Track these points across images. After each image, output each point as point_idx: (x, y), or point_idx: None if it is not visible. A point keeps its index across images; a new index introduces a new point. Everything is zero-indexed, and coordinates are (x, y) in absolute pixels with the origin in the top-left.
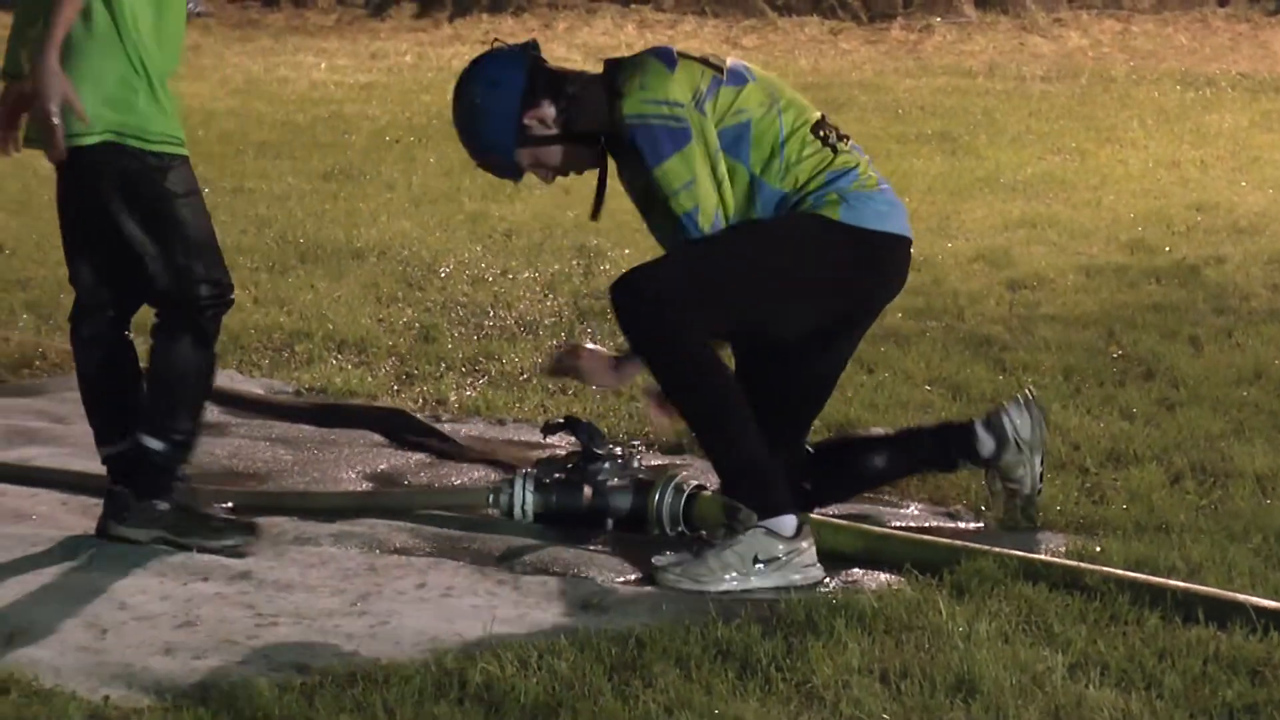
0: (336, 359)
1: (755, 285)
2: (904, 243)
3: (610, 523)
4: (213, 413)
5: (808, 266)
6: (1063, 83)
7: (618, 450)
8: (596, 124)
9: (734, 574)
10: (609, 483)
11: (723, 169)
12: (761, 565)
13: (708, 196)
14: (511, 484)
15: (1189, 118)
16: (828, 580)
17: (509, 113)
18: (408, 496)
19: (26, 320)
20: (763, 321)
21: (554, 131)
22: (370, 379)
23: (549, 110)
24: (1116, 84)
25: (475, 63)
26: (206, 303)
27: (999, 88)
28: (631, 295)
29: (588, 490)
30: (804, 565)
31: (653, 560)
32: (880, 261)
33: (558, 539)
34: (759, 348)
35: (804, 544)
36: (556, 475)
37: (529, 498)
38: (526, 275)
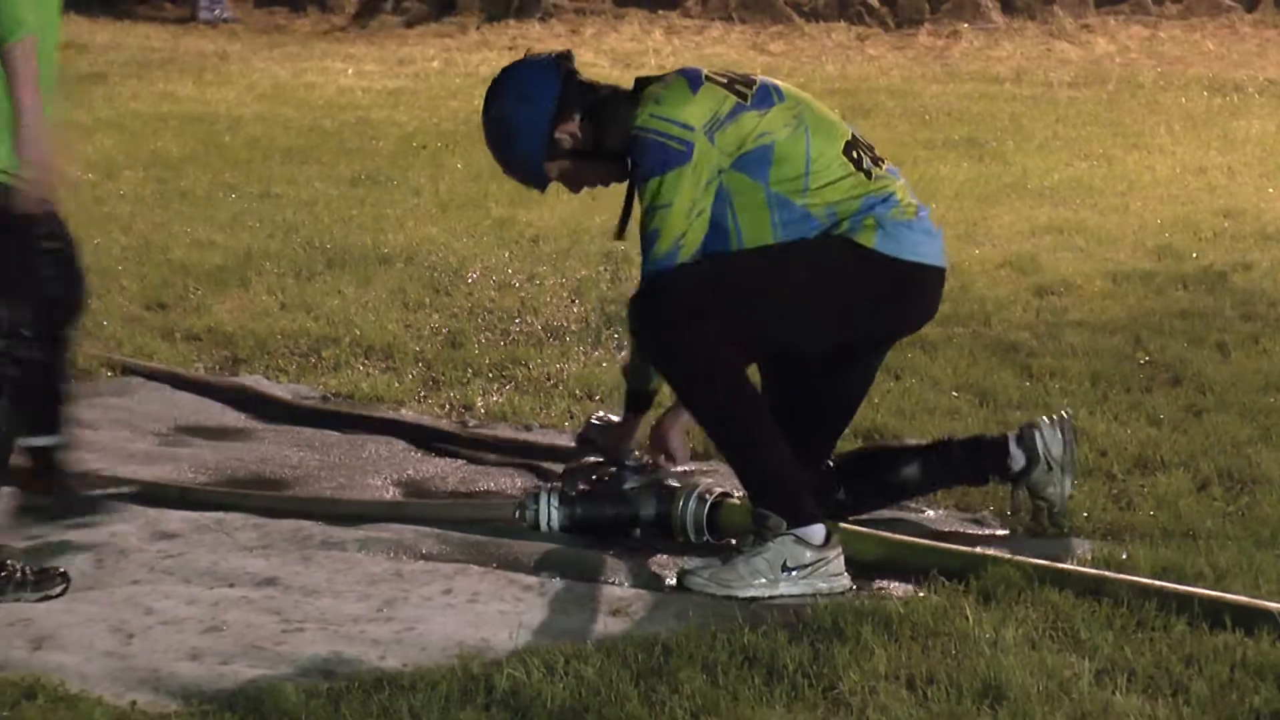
0: (363, 364)
1: (779, 304)
2: (938, 273)
3: (637, 531)
4: (239, 418)
5: (835, 290)
6: (1090, 88)
7: (644, 458)
8: (621, 140)
9: (762, 580)
10: (634, 492)
11: (707, 201)
12: (790, 572)
13: (674, 226)
14: (537, 497)
15: (1216, 124)
16: (854, 588)
17: (539, 126)
18: (433, 508)
19: None
20: (783, 340)
21: (582, 146)
22: (397, 384)
23: (579, 125)
24: (1144, 90)
25: (508, 72)
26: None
27: (1026, 93)
28: (653, 308)
29: (613, 501)
30: (832, 574)
31: (681, 565)
32: (911, 292)
33: (585, 545)
34: (783, 364)
35: (832, 553)
36: (582, 487)
37: (555, 511)
38: (553, 281)
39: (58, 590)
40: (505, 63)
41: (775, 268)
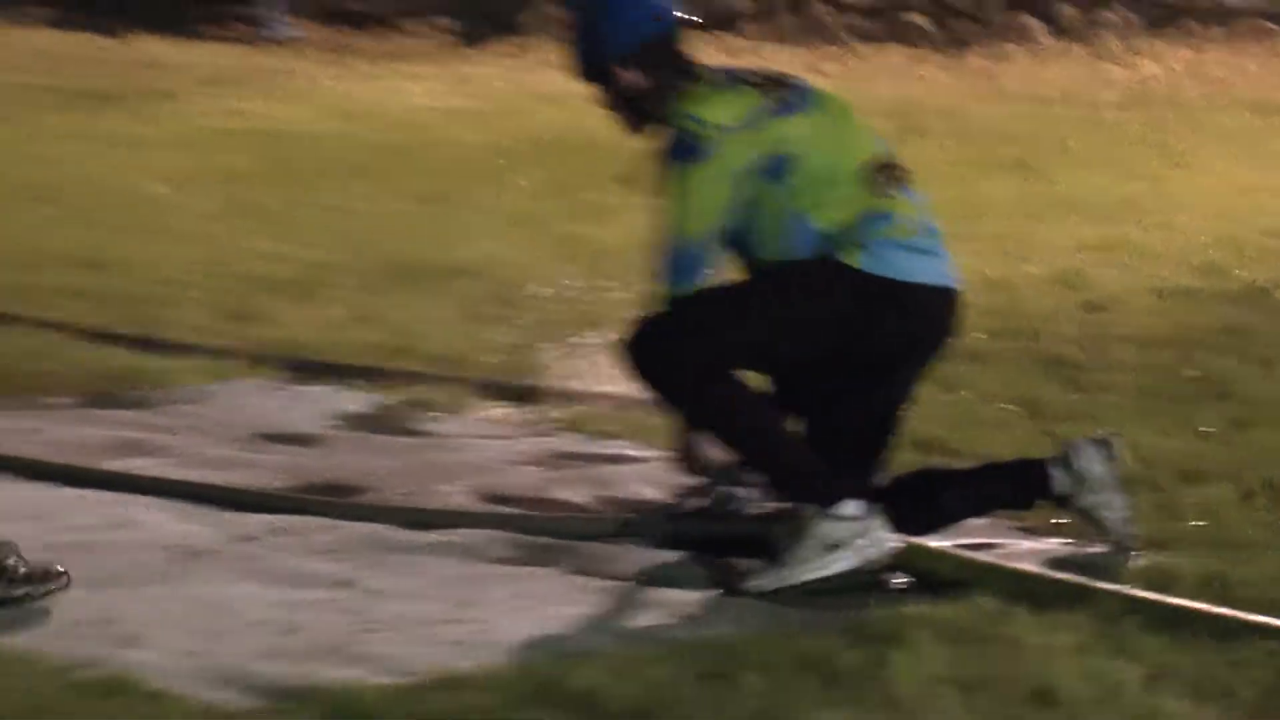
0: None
1: (759, 331)
2: (932, 291)
3: (749, 550)
4: (316, 424)
5: (814, 312)
6: (1136, 109)
7: (755, 478)
8: (653, 117)
9: (812, 564)
10: (746, 512)
11: (723, 194)
12: (836, 549)
13: (687, 212)
14: (652, 512)
15: (1261, 144)
16: (902, 543)
17: (605, 45)
18: (533, 520)
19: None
20: (773, 365)
21: (619, 95)
22: (465, 396)
23: (636, 79)
24: (1189, 111)
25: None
26: None
27: (1073, 114)
28: (642, 353)
29: (728, 520)
30: (877, 541)
31: (739, 573)
32: (897, 309)
33: (653, 550)
34: (807, 389)
35: (870, 521)
36: (697, 505)
37: (671, 527)
38: (617, 296)
39: (60, 585)
40: (567, 82)
41: (753, 297)
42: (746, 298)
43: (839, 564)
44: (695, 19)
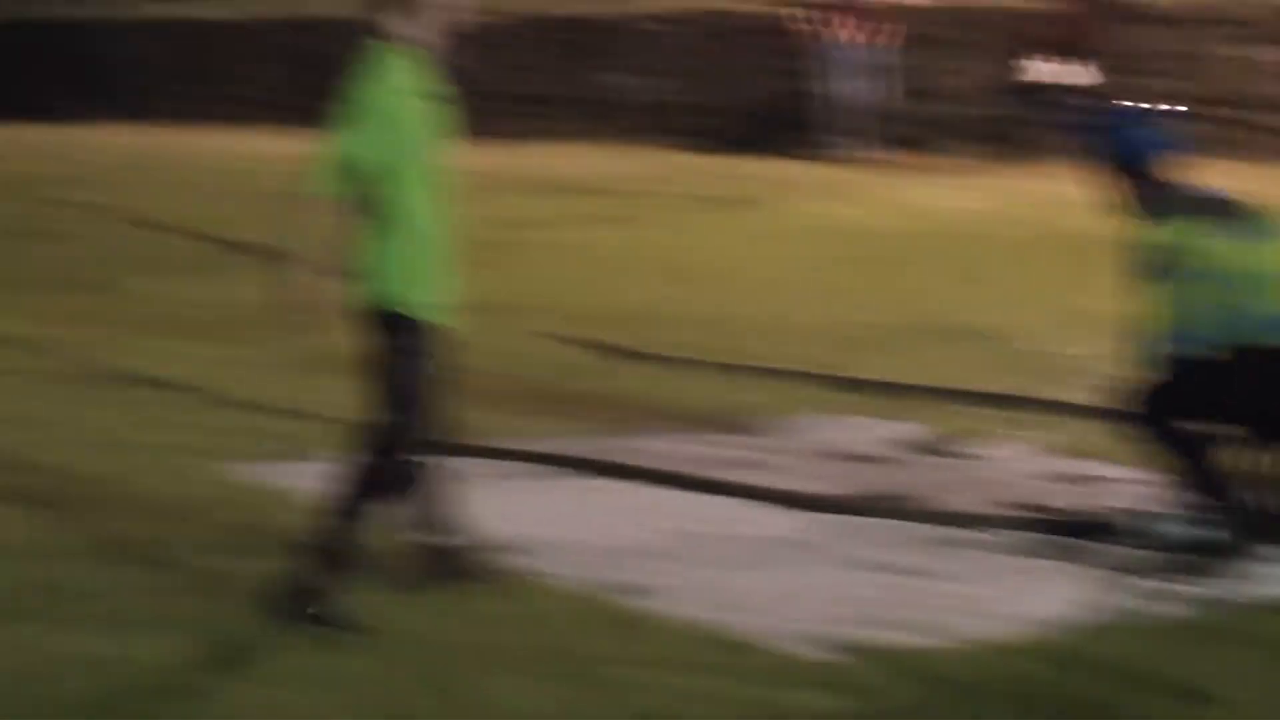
0: (961, 408)
1: (1214, 400)
2: None
3: (1208, 552)
4: (877, 448)
5: (1251, 384)
6: None
7: (1252, 500)
8: (1138, 217)
9: (1226, 580)
10: (1200, 529)
11: (1182, 304)
12: (1247, 571)
13: (1157, 315)
14: (1161, 518)
15: None
16: None
17: (1115, 159)
18: (1046, 523)
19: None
20: (1227, 421)
21: (1118, 196)
22: (981, 425)
23: (1130, 188)
24: None
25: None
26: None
27: None
28: (1139, 410)
29: (1226, 532)
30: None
31: (1198, 569)
32: None
33: (1131, 549)
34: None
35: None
36: (1200, 515)
37: (1179, 533)
38: (1104, 356)
39: (339, 630)
40: (1073, 190)
41: (1208, 374)
42: (1204, 375)
43: (1246, 585)
44: (1187, 151)
